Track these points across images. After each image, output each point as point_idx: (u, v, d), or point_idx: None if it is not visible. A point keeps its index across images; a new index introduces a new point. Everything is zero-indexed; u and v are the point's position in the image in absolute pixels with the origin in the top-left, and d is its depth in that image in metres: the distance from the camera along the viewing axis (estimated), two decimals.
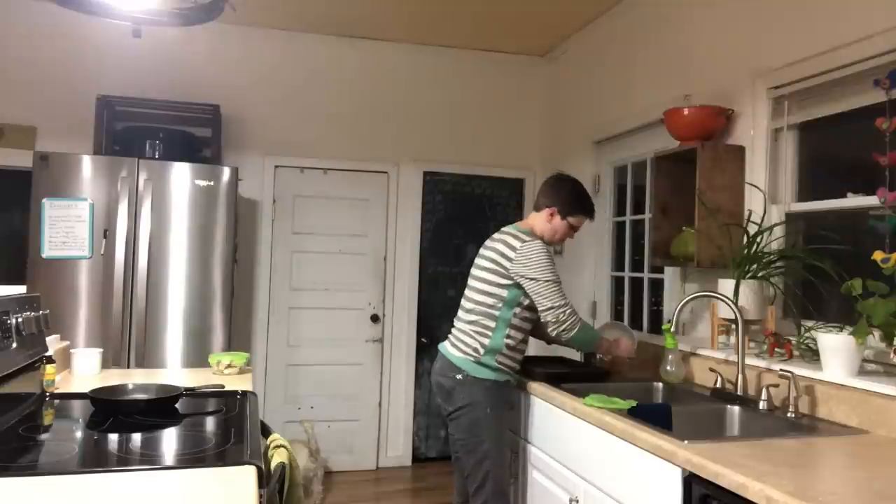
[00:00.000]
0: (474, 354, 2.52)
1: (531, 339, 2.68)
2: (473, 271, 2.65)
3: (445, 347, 2.65)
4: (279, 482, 1.53)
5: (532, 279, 2.46)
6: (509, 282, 2.50)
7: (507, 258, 2.51)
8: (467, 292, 2.65)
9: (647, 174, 3.60)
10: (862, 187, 2.28)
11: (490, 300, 2.53)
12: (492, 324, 2.52)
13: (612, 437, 2.02)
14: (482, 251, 2.66)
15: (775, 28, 2.66)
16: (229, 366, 2.61)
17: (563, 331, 2.48)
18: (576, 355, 3.26)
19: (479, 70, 4.83)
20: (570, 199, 2.63)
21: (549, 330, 2.52)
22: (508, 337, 2.52)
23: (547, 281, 2.46)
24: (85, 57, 4.14)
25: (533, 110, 4.94)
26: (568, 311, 2.46)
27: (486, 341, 2.51)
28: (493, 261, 2.56)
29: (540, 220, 2.64)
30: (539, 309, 2.49)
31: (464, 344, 2.55)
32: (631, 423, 1.96)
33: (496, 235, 2.65)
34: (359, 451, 4.62)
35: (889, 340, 1.90)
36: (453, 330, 2.67)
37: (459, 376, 2.51)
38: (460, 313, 2.65)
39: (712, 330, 2.66)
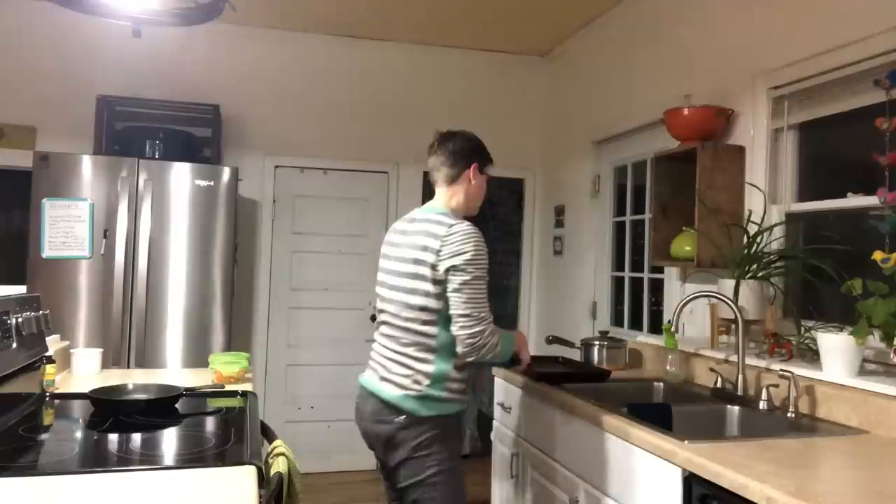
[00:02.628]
0: (415, 388, 1.99)
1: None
2: (388, 277, 2.13)
3: (371, 381, 2.09)
4: (275, 494, 1.52)
5: (462, 273, 1.94)
6: (443, 285, 1.97)
7: (431, 251, 1.98)
8: (386, 304, 2.11)
9: (647, 174, 3.60)
10: (862, 187, 2.28)
11: (425, 315, 1.99)
12: (433, 343, 2.00)
13: (612, 437, 2.02)
14: (394, 247, 2.15)
15: (775, 28, 2.66)
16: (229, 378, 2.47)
17: (481, 355, 1.98)
18: (576, 355, 3.26)
19: (479, 70, 4.83)
20: (481, 146, 2.23)
21: (458, 349, 1.98)
22: (455, 356, 1.99)
23: (478, 280, 1.96)
24: (85, 57, 4.14)
25: (533, 110, 4.94)
26: (488, 332, 1.96)
27: (430, 368, 1.99)
28: (415, 260, 2.02)
29: (460, 188, 2.17)
30: (454, 311, 1.95)
31: (399, 375, 2.02)
32: (631, 423, 1.96)
33: (404, 224, 2.18)
34: (359, 451, 4.60)
35: (889, 340, 1.89)
36: (379, 356, 2.11)
37: (401, 419, 1.99)
38: (385, 331, 2.11)
39: (712, 330, 2.66)
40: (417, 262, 2.01)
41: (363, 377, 2.15)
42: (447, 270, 1.95)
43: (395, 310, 2.06)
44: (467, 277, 1.94)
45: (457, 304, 1.95)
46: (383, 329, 2.12)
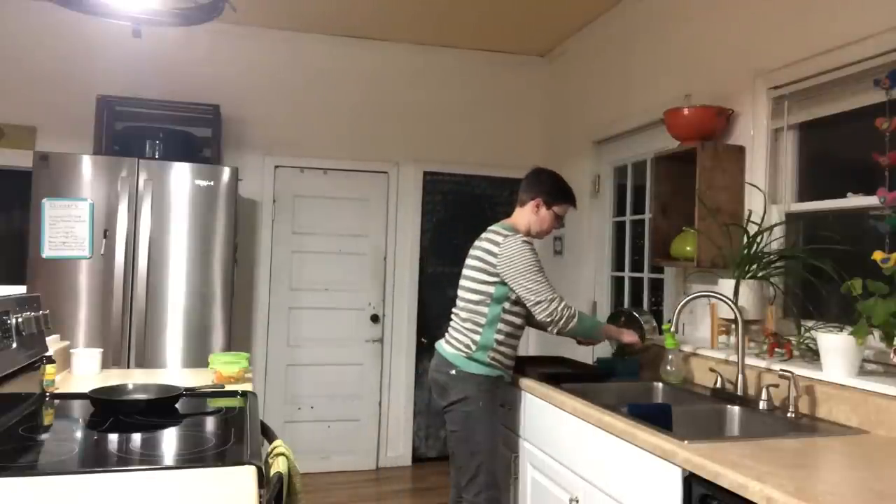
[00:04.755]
0: (466, 350, 2.58)
1: (536, 337, 2.69)
2: (464, 270, 2.71)
3: (441, 344, 2.71)
4: (276, 494, 1.52)
5: (516, 274, 2.50)
6: (495, 279, 2.55)
7: (491, 254, 2.57)
8: (459, 291, 2.71)
9: (647, 174, 3.60)
10: (862, 187, 2.28)
11: (477, 297, 2.59)
12: (482, 320, 2.57)
13: (612, 437, 2.02)
14: (471, 250, 2.72)
15: (775, 28, 2.66)
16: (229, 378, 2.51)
17: (561, 327, 2.52)
18: (576, 355, 3.26)
19: (479, 70, 4.83)
20: (553, 188, 2.70)
21: (548, 329, 2.57)
22: (499, 332, 2.57)
23: (532, 275, 2.49)
24: (85, 57, 4.14)
25: (533, 110, 4.94)
26: (560, 307, 2.50)
27: (477, 338, 2.57)
28: (479, 259, 2.62)
29: (526, 213, 2.70)
30: (528, 305, 2.52)
31: (457, 341, 2.62)
32: (631, 423, 1.96)
33: (483, 234, 2.71)
34: (359, 451, 4.61)
35: (889, 340, 1.89)
36: (449, 328, 2.72)
37: (453, 371, 2.58)
38: (455, 311, 2.72)
39: (712, 330, 2.66)
40: (482, 260, 2.60)
41: (437, 342, 2.76)
42: (505, 276, 2.52)
43: (461, 294, 2.67)
44: (525, 276, 2.49)
45: (526, 298, 2.51)
46: (454, 310, 2.70)
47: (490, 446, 2.56)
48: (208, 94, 4.28)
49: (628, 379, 2.81)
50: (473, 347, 2.57)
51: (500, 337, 2.57)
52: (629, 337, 2.72)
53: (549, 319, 2.50)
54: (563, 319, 2.50)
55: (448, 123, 4.79)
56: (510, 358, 2.64)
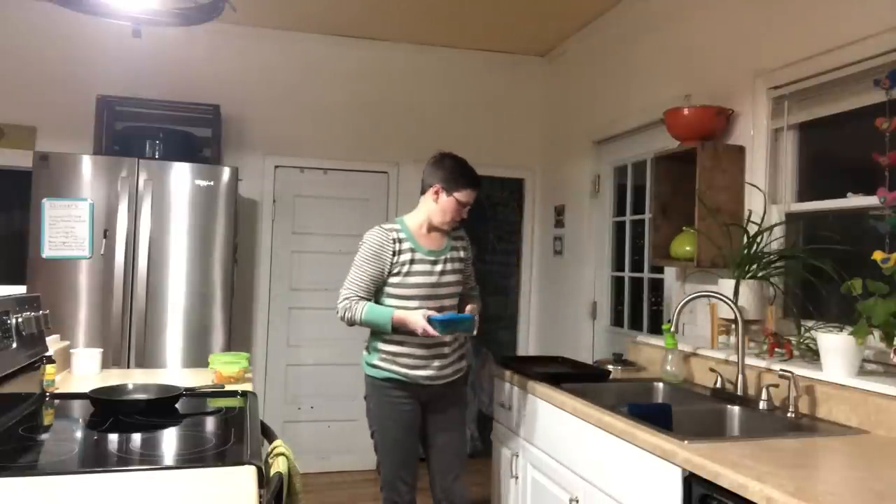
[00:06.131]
0: (365, 352, 2.62)
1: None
2: None
3: None
4: (276, 494, 1.52)
5: None
6: None
7: None
8: None
9: (647, 174, 3.60)
10: (862, 187, 2.28)
11: None
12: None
13: (612, 437, 2.02)
14: None
15: (775, 28, 2.66)
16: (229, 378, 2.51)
17: (343, 319, 2.52)
18: (577, 355, 3.26)
19: (479, 70, 4.83)
20: (453, 173, 2.56)
21: None
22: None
23: (352, 267, 2.52)
24: (85, 57, 4.14)
25: (533, 110, 4.94)
26: (341, 303, 2.51)
27: (369, 339, 2.60)
28: None
29: (426, 202, 2.59)
30: None
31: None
32: (631, 423, 1.96)
33: None
34: (359, 451, 4.61)
35: (889, 340, 1.89)
36: None
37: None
38: None
39: (712, 330, 2.66)
40: None
41: None
42: None
43: None
44: (351, 268, 2.52)
45: None
46: None
47: (384, 447, 2.57)
48: (208, 94, 4.28)
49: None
50: (369, 349, 2.59)
51: (384, 336, 2.50)
52: (413, 325, 2.38)
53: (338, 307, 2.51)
54: (343, 319, 2.51)
55: (448, 123, 4.79)
56: (411, 357, 2.48)
